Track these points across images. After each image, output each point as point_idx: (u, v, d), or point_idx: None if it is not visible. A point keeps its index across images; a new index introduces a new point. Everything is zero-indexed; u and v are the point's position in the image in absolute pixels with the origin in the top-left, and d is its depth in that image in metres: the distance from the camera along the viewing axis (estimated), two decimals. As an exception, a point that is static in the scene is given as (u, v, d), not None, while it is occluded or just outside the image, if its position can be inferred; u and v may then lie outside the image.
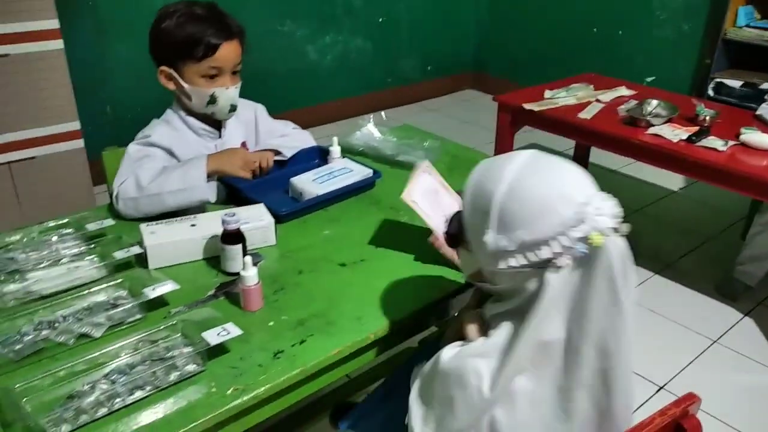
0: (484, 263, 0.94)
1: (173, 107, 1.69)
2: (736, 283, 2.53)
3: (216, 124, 1.71)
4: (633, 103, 2.68)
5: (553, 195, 0.86)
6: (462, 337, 1.01)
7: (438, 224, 1.26)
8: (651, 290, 2.60)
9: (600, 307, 0.86)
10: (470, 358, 0.93)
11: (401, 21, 4.48)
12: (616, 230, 0.86)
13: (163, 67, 1.61)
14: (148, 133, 1.64)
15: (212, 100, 1.60)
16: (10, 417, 0.91)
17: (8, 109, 2.60)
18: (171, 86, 1.63)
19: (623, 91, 2.89)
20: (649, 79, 3.96)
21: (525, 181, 0.88)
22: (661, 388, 2.10)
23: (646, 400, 2.04)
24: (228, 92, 1.61)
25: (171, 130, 1.66)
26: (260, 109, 1.85)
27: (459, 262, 1.12)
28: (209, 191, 1.50)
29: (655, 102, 2.59)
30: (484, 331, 0.99)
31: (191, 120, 1.67)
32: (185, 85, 1.59)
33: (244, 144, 1.76)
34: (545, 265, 0.87)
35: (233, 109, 1.66)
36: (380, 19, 4.37)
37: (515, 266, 0.88)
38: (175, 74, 1.60)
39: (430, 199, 1.34)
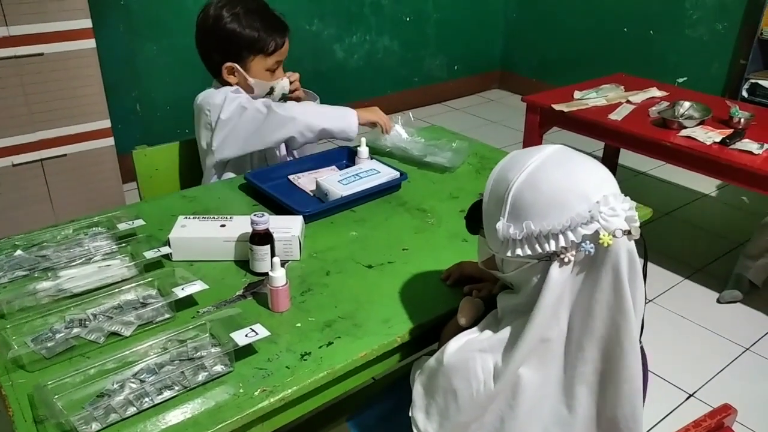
0: (495, 251, 0.94)
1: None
2: (741, 278, 2.48)
3: None
4: (664, 104, 2.64)
5: (568, 189, 0.85)
6: (459, 328, 1.03)
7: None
8: (681, 295, 2.55)
9: (604, 310, 0.86)
10: (477, 352, 0.94)
11: (428, 19, 4.46)
12: (628, 233, 0.84)
13: (229, 63, 1.71)
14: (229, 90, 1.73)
15: (270, 91, 1.77)
16: (42, 413, 0.92)
17: (42, 107, 2.65)
18: (233, 80, 1.74)
19: (654, 92, 2.84)
20: (681, 80, 3.89)
21: (543, 172, 0.88)
22: (690, 395, 2.06)
23: (675, 408, 2.00)
24: (283, 83, 1.79)
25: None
26: None
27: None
28: (354, 124, 1.75)
29: (687, 103, 2.54)
30: (478, 318, 1.02)
31: None
32: (250, 79, 1.72)
33: None
34: (550, 258, 0.86)
35: (284, 98, 1.82)
36: (407, 18, 4.36)
37: (521, 255, 0.88)
38: (240, 69, 1.71)
39: None
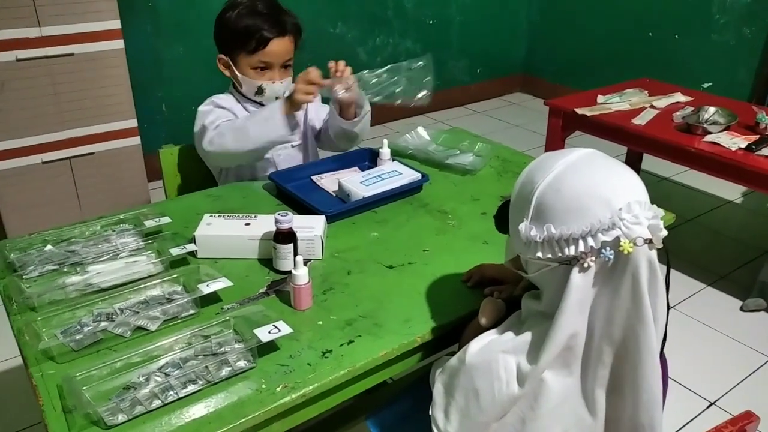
0: (519, 251, 0.95)
1: (230, 89, 1.79)
2: (765, 287, 2.44)
3: None
4: (689, 109, 2.61)
5: (590, 194, 0.85)
6: (480, 329, 1.04)
7: None
8: (703, 302, 2.53)
9: (624, 317, 0.86)
10: (500, 353, 0.94)
11: (451, 22, 4.47)
12: (650, 242, 0.84)
13: (221, 55, 1.73)
14: (212, 100, 1.75)
15: (260, 90, 1.72)
16: (71, 403, 0.94)
17: (71, 106, 2.70)
18: (227, 73, 1.75)
19: (679, 97, 2.82)
20: (706, 85, 3.84)
21: (569, 175, 0.88)
22: (712, 404, 2.04)
23: (696, 416, 1.98)
24: (274, 86, 1.71)
25: (228, 101, 1.77)
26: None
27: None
28: (283, 125, 1.59)
29: (712, 109, 2.52)
30: (499, 319, 1.03)
31: (243, 101, 1.78)
32: (238, 74, 1.71)
33: None
34: (570, 262, 0.86)
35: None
36: (430, 21, 4.36)
37: (541, 258, 0.89)
38: (231, 63, 1.71)
39: None
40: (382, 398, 1.62)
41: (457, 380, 0.98)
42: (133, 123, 2.86)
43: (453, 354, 1.05)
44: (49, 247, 1.33)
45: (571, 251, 0.85)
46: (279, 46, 1.67)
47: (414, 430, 1.19)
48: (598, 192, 0.85)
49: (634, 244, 0.83)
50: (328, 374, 1.03)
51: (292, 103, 1.58)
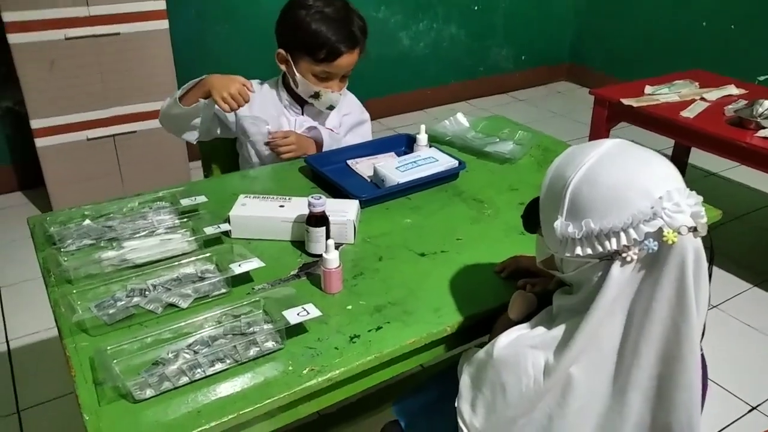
0: (553, 250, 0.92)
1: (279, 81, 1.78)
2: None
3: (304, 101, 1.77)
4: (742, 103, 2.52)
5: (629, 184, 0.82)
6: (510, 322, 1.02)
7: None
8: (748, 303, 2.44)
9: (665, 310, 0.83)
10: (528, 348, 0.92)
11: (497, 9, 4.39)
12: (694, 230, 0.80)
13: (281, 51, 1.69)
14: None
15: (316, 95, 1.69)
16: (101, 376, 0.96)
17: (116, 85, 2.75)
18: (283, 68, 1.71)
19: (731, 89, 2.71)
20: (761, 78, 3.69)
21: (602, 167, 0.84)
22: (753, 408, 1.97)
23: (736, 420, 1.92)
24: (331, 96, 1.70)
25: (261, 90, 1.76)
26: (363, 120, 1.91)
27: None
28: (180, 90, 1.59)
29: (767, 103, 2.41)
30: (530, 313, 1.01)
31: (284, 93, 1.77)
32: (297, 75, 1.67)
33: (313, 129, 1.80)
34: (612, 257, 0.83)
35: (331, 108, 1.75)
36: (475, 7, 4.29)
37: (580, 255, 0.85)
38: (290, 60, 1.67)
39: None
40: (409, 385, 1.62)
41: (484, 374, 0.97)
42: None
43: (482, 346, 1.03)
44: (87, 221, 1.35)
45: (612, 245, 0.82)
46: (347, 60, 1.64)
47: (440, 420, 1.18)
48: (636, 181, 0.82)
49: (678, 233, 0.79)
50: (355, 359, 1.03)
51: (209, 91, 1.58)
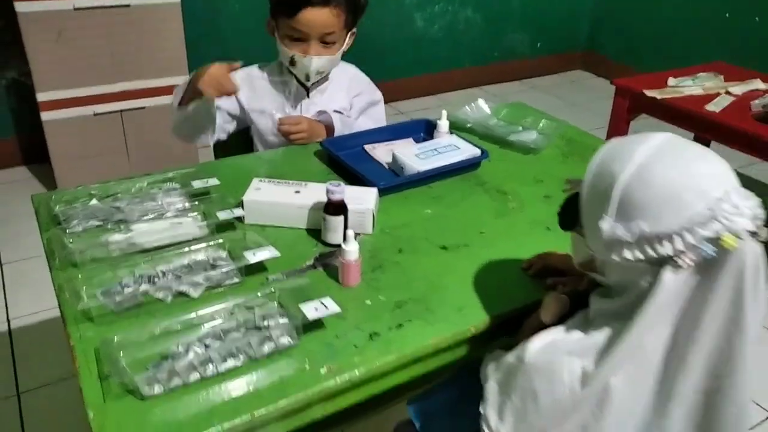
0: (597, 252, 0.86)
1: (279, 58, 1.70)
2: None
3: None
4: (769, 98, 2.43)
5: (685, 185, 0.76)
6: (541, 325, 0.96)
7: None
8: None
9: (718, 320, 0.77)
10: (564, 354, 0.86)
11: (514, -7, 4.29)
12: (754, 234, 0.75)
13: (269, 18, 1.62)
14: (244, 70, 1.67)
15: (292, 61, 1.60)
16: (107, 369, 0.91)
17: (125, 59, 2.68)
18: (275, 37, 1.64)
19: (758, 83, 2.63)
20: (785, 73, 3.60)
21: (655, 165, 0.78)
22: (771, 413, 1.92)
23: (755, 426, 1.86)
24: (304, 60, 1.58)
25: (249, 76, 1.69)
26: (376, 101, 1.82)
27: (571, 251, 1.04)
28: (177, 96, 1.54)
29: (796, 98, 2.34)
30: (563, 316, 0.95)
31: (269, 68, 1.71)
32: (277, 40, 1.61)
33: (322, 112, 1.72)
34: (663, 262, 0.77)
35: (308, 78, 1.63)
36: (492, -10, 4.20)
37: (630, 259, 0.79)
38: (275, 27, 1.61)
39: None
40: (421, 382, 1.56)
41: (514, 380, 0.91)
42: (185, 79, 2.82)
43: (507, 346, 0.98)
44: (94, 201, 1.29)
45: (666, 250, 0.76)
46: (312, 16, 1.51)
47: (457, 422, 1.12)
48: (692, 182, 0.77)
49: (739, 237, 0.73)
50: (375, 359, 0.97)
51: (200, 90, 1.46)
